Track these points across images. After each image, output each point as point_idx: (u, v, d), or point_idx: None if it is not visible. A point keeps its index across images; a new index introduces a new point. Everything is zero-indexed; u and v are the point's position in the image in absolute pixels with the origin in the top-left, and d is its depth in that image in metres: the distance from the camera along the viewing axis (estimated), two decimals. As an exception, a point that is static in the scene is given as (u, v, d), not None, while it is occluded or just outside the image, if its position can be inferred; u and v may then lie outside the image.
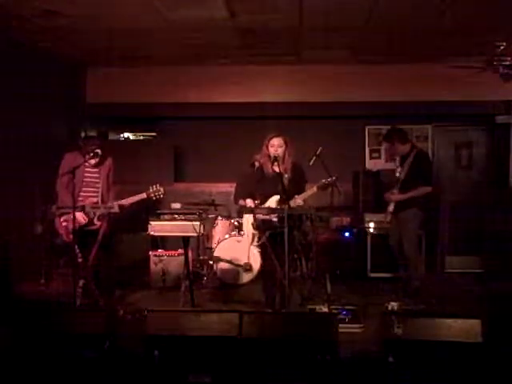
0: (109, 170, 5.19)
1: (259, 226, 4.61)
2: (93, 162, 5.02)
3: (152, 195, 4.84)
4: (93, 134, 7.67)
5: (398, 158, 5.61)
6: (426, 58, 6.66)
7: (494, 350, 3.07)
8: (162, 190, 4.85)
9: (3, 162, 5.64)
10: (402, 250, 5.45)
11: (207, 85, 7.20)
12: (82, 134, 7.47)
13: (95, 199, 5.05)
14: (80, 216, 4.78)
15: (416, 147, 5.59)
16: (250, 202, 4.74)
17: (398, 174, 5.49)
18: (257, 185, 4.80)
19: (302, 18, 5.19)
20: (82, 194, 5.03)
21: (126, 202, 4.85)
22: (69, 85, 7.13)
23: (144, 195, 4.85)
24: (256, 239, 4.73)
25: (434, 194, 5.58)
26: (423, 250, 6.21)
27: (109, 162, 5.19)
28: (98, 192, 5.11)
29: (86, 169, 5.07)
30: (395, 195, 5.43)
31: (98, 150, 4.99)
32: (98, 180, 5.11)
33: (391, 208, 5.47)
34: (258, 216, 4.54)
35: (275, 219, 4.52)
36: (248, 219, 4.81)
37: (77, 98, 7.31)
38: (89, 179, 5.09)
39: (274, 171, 4.60)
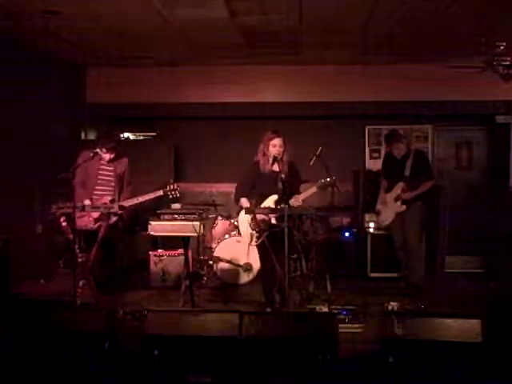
0: (124, 168, 5.21)
1: (257, 225, 4.61)
2: (107, 157, 5.04)
3: (168, 193, 4.87)
4: (93, 133, 7.68)
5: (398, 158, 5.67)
6: (426, 57, 6.66)
7: (494, 350, 3.07)
8: (178, 188, 4.87)
9: (3, 162, 5.63)
10: (406, 245, 5.56)
11: (207, 85, 7.19)
12: (82, 135, 7.49)
13: (110, 197, 5.05)
14: (87, 220, 4.83)
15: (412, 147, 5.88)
16: (245, 202, 4.73)
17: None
18: (254, 184, 4.79)
19: (302, 18, 5.19)
20: (96, 192, 5.04)
21: (138, 200, 4.91)
22: (69, 85, 7.13)
23: (160, 192, 4.87)
24: (254, 239, 4.71)
25: (435, 191, 5.66)
26: (423, 250, 6.21)
27: (124, 160, 5.22)
28: (112, 190, 5.11)
29: (101, 166, 5.08)
30: (408, 193, 5.52)
31: (115, 145, 5.04)
32: (112, 178, 5.13)
33: (403, 207, 5.55)
34: (256, 216, 4.55)
35: (274, 220, 4.55)
36: (244, 219, 4.79)
37: (77, 97, 7.31)
38: (103, 176, 5.10)
39: (271, 170, 4.62)
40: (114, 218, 4.91)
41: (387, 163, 5.96)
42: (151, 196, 4.90)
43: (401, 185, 5.59)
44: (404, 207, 5.56)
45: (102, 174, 5.11)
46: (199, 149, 7.56)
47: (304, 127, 7.16)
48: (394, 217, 5.66)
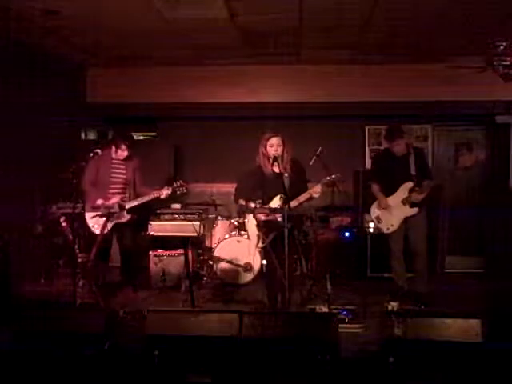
0: (135, 168, 5.28)
1: (264, 226, 4.55)
2: (124, 154, 5.13)
3: (176, 189, 4.97)
4: (93, 133, 7.68)
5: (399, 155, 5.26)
6: (426, 57, 6.66)
7: (494, 350, 3.07)
8: (185, 184, 4.98)
9: (3, 162, 5.63)
10: (416, 250, 5.25)
11: (207, 85, 7.19)
12: (82, 135, 7.49)
13: (119, 197, 5.08)
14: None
15: (410, 144, 5.43)
16: (251, 204, 4.62)
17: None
18: (258, 185, 4.71)
19: (302, 17, 5.19)
20: (109, 191, 5.06)
21: (143, 199, 5.04)
22: (69, 85, 7.13)
23: (169, 190, 4.98)
24: (261, 241, 4.61)
25: (435, 191, 5.44)
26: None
27: (135, 161, 5.32)
28: (124, 189, 5.16)
29: (113, 165, 5.12)
30: (420, 195, 5.10)
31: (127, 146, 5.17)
32: (124, 176, 5.17)
33: (415, 210, 5.17)
34: (261, 216, 4.50)
35: (280, 219, 4.49)
36: (252, 220, 4.71)
37: (77, 98, 7.31)
38: (116, 175, 5.15)
39: (274, 171, 4.59)
40: (124, 218, 4.96)
41: (384, 163, 5.42)
42: (156, 195, 4.92)
43: (409, 185, 5.15)
44: (416, 209, 5.13)
45: (114, 173, 5.15)
46: (199, 149, 7.56)
47: (304, 127, 7.16)
48: (401, 222, 5.24)
